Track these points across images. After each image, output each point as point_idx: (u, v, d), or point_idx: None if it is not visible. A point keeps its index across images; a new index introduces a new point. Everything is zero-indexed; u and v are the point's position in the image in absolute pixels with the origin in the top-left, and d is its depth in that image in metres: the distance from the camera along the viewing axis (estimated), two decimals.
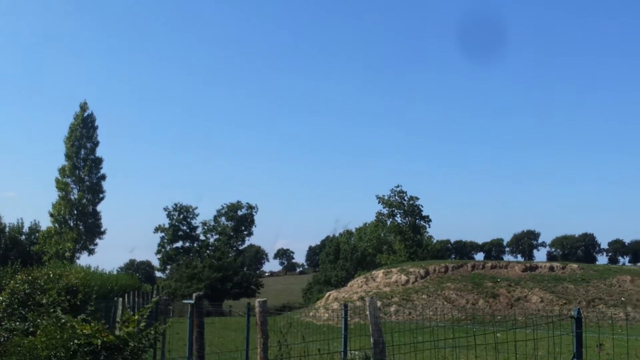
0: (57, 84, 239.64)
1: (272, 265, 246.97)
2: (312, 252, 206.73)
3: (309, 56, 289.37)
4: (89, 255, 66.66)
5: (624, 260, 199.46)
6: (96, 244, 66.73)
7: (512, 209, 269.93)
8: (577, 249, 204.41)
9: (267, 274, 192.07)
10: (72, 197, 64.34)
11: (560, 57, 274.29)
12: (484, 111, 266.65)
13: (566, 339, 7.90)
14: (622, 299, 40.11)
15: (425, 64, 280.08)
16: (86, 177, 65.13)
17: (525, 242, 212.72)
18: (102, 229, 67.25)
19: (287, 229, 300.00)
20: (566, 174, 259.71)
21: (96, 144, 66.82)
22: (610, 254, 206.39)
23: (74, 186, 65.18)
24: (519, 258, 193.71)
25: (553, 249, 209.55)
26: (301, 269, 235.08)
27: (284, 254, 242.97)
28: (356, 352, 10.39)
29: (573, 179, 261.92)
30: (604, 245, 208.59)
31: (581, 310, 7.30)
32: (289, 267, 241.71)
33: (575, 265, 49.69)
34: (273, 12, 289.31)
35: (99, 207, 67.09)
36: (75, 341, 9.64)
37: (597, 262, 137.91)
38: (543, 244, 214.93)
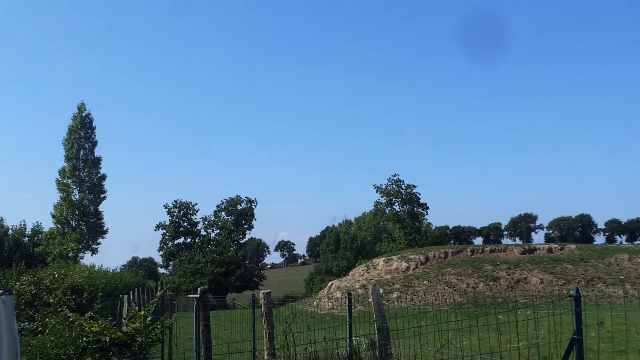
0: (55, 85, 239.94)
1: (273, 258, 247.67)
2: (313, 243, 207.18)
3: (306, 49, 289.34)
4: (92, 254, 66.92)
5: (621, 239, 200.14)
6: (99, 243, 67.00)
7: (509, 192, 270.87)
8: (575, 229, 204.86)
9: (268, 266, 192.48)
10: (73, 198, 64.48)
11: (559, 51, 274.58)
12: (480, 99, 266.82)
13: (566, 317, 8.06)
14: (621, 277, 40.35)
15: (419, 56, 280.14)
16: (86, 178, 65.31)
17: (523, 225, 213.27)
18: (105, 228, 67.54)
19: (287, 221, 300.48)
20: (561, 157, 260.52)
21: (94, 143, 67.03)
22: (607, 233, 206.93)
23: (75, 187, 65.34)
24: (517, 241, 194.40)
25: (551, 231, 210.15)
26: (302, 260, 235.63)
27: (285, 246, 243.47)
28: (362, 339, 10.57)
29: (568, 161, 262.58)
30: (601, 226, 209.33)
31: (580, 289, 7.46)
32: (291, 258, 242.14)
33: (573, 246, 49.93)
34: (267, 6, 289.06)
35: (100, 207, 67.37)
36: (84, 339, 9.80)
37: (594, 242, 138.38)
38: (541, 227, 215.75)
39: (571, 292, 7.35)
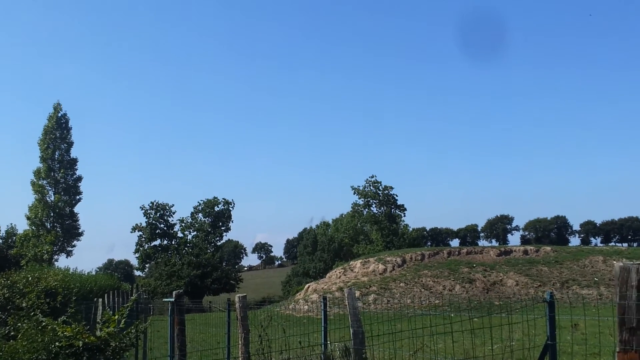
0: (31, 85, 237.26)
1: (251, 260, 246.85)
2: (290, 245, 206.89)
3: (286, 48, 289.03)
4: (67, 257, 66.36)
5: (596, 241, 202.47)
6: (74, 246, 66.39)
7: (486, 194, 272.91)
8: (550, 231, 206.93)
9: (246, 269, 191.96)
10: (48, 200, 63.81)
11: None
12: (457, 100, 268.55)
13: (540, 321, 8.12)
14: (595, 279, 40.75)
15: (400, 56, 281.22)
16: (62, 179, 64.66)
17: (499, 226, 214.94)
18: (80, 231, 66.90)
19: (265, 222, 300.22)
20: (537, 158, 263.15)
21: (70, 144, 66.43)
22: (582, 235, 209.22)
23: (50, 188, 64.69)
24: (494, 243, 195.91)
25: (527, 233, 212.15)
26: (280, 262, 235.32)
27: (262, 248, 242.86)
28: (336, 344, 10.55)
29: (544, 163, 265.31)
30: (576, 227, 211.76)
31: (554, 294, 7.52)
32: (268, 260, 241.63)
33: (548, 248, 50.35)
34: (255, 7, 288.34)
35: (76, 209, 66.73)
36: (57, 344, 9.69)
37: (569, 244, 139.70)
38: (517, 228, 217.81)
39: (545, 296, 7.41)
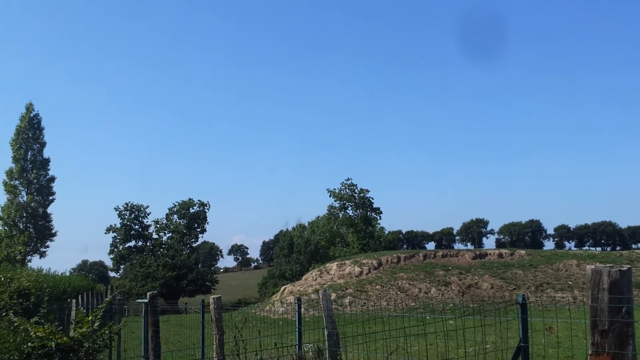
0: (3, 85, 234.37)
1: (227, 262, 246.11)
2: (267, 247, 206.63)
3: (265, 52, 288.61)
4: (40, 257, 65.64)
5: (570, 245, 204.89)
6: (47, 247, 65.71)
7: (461, 198, 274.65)
8: (525, 235, 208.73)
9: (222, 270, 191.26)
10: (21, 200, 63.12)
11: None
12: (431, 104, 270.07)
13: (515, 323, 8.19)
14: (569, 282, 41.20)
15: (379, 59, 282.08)
16: (35, 179, 64.00)
17: (475, 230, 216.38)
18: (54, 231, 66.23)
19: (241, 224, 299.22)
20: (512, 162, 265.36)
21: (43, 144, 65.87)
22: (556, 239, 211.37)
23: (23, 188, 64.02)
24: (469, 246, 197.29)
25: (501, 236, 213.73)
26: (256, 264, 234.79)
27: (238, 250, 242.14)
28: (310, 345, 10.55)
29: (519, 167, 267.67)
30: (550, 231, 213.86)
31: (526, 296, 7.59)
32: (244, 262, 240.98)
33: (523, 252, 50.86)
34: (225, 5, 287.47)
35: (49, 209, 66.06)
36: (29, 344, 9.57)
37: (544, 248, 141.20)
38: (492, 232, 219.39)
39: (518, 299, 7.48)
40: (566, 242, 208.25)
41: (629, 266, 3.82)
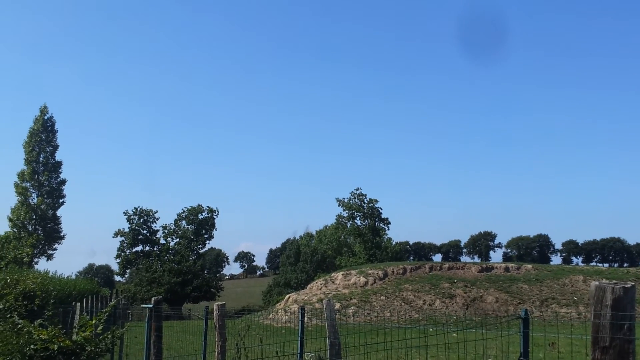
0: (18, 88, 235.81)
1: (233, 268, 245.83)
2: (273, 255, 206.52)
3: (273, 60, 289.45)
4: (47, 260, 65.90)
5: (578, 260, 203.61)
6: (55, 249, 65.99)
7: (470, 211, 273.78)
8: (533, 249, 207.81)
9: (227, 277, 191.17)
10: (31, 202, 63.45)
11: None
12: (442, 115, 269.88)
13: (516, 337, 8.20)
14: (575, 298, 41.00)
15: (386, 67, 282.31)
16: (46, 182, 64.36)
17: (482, 243, 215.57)
18: (62, 234, 66.54)
19: (248, 232, 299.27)
20: (522, 176, 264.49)
21: (56, 147, 66.25)
22: (564, 254, 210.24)
23: (34, 191, 64.37)
24: (476, 259, 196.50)
25: (509, 250, 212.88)
26: (262, 271, 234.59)
27: (244, 257, 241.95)
28: (311, 354, 10.57)
29: (528, 181, 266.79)
30: (558, 246, 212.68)
31: (530, 311, 7.60)
32: (250, 270, 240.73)
33: (529, 266, 50.62)
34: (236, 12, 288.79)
35: (58, 212, 66.38)
36: (32, 346, 9.64)
37: (551, 263, 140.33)
38: (499, 245, 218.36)
39: (520, 313, 7.49)
40: (574, 258, 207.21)
41: (632, 283, 3.84)
